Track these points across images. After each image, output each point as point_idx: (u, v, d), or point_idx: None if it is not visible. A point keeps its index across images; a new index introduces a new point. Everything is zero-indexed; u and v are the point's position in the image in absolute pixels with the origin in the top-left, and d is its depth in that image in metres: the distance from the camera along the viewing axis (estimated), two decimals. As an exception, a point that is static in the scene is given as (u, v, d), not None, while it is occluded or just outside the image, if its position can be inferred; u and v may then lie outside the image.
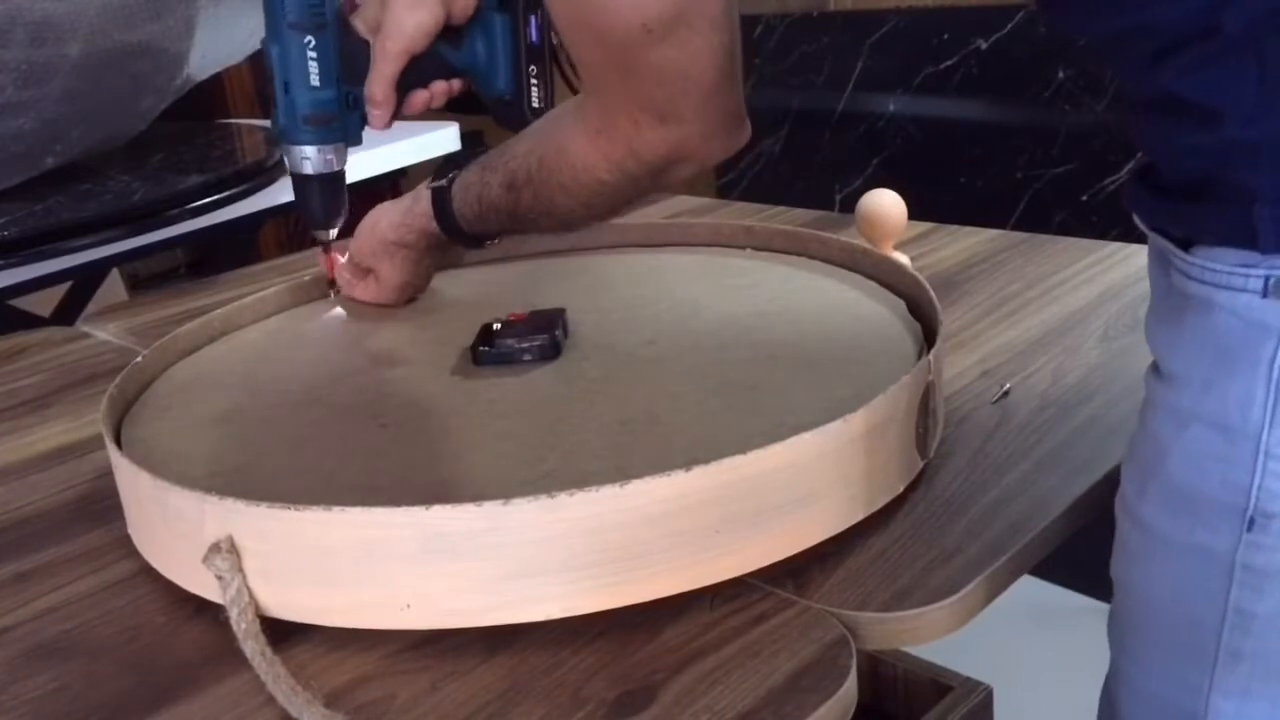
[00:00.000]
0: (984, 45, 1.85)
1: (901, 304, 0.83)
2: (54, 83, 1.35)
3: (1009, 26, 1.82)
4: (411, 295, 0.93)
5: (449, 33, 0.82)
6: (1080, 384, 0.79)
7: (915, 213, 1.03)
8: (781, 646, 0.54)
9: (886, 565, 0.60)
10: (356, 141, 0.86)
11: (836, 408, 0.61)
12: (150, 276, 2.83)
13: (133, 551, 0.67)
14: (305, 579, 0.57)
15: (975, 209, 1.86)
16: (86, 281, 1.71)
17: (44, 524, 0.73)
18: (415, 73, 0.82)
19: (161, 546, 0.64)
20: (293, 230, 2.65)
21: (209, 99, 2.61)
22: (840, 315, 0.83)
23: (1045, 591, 1.81)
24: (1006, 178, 1.88)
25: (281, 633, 0.57)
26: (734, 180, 2.22)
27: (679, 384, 0.74)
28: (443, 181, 0.83)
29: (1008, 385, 0.79)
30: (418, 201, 0.85)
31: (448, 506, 0.54)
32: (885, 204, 0.98)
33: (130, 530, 0.68)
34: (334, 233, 0.91)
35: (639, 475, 0.54)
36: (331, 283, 0.96)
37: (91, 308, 1.66)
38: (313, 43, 0.81)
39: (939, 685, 0.82)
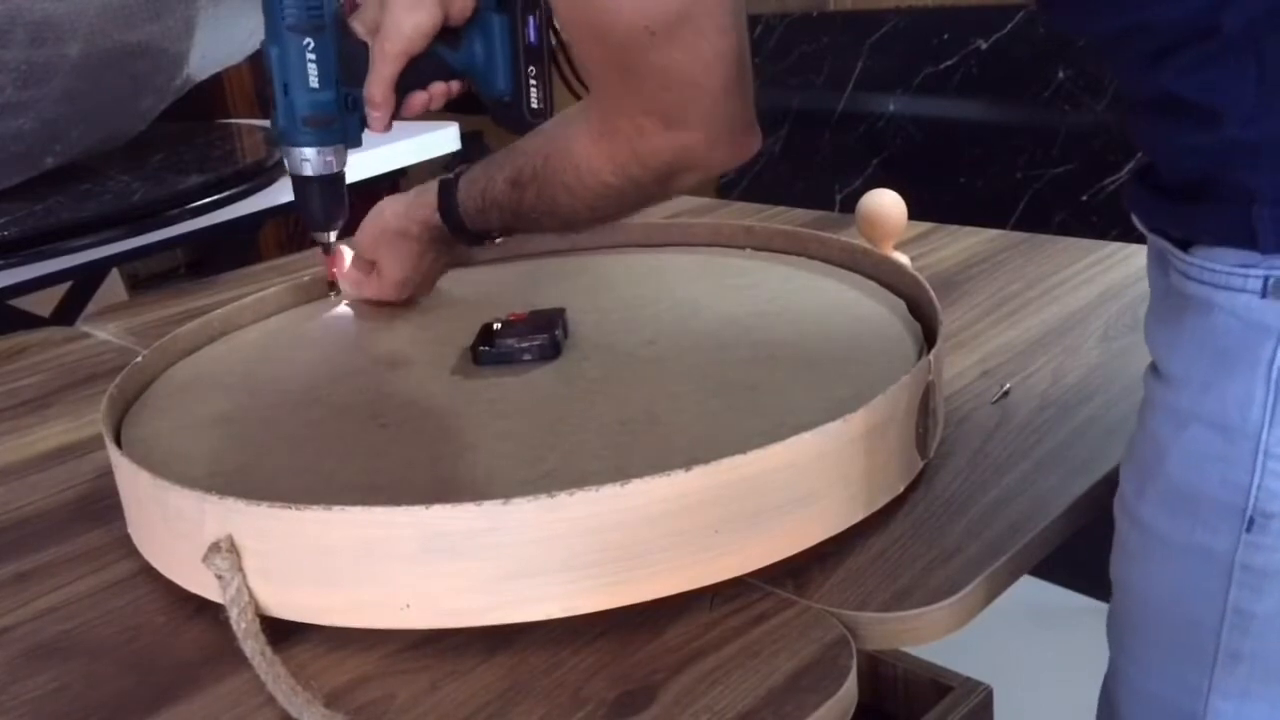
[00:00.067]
0: (984, 45, 1.85)
1: (901, 304, 0.83)
2: (54, 83, 1.35)
3: (1009, 26, 1.82)
4: (414, 293, 0.93)
5: (447, 34, 0.82)
6: (1080, 384, 0.79)
7: (915, 213, 1.03)
8: (781, 646, 0.54)
9: (886, 565, 0.60)
10: (356, 143, 0.86)
11: (836, 408, 0.61)
12: (150, 276, 2.83)
13: (133, 551, 0.67)
14: (305, 578, 0.57)
15: (975, 209, 1.86)
16: (86, 281, 1.71)
17: (44, 524, 0.73)
18: (414, 74, 0.82)
19: (161, 546, 0.64)
20: (293, 230, 2.65)
21: (209, 99, 2.61)
22: (840, 315, 0.83)
23: (1045, 591, 1.81)
24: (1006, 178, 1.88)
25: (281, 632, 0.57)
26: (734, 180, 2.22)
27: (679, 384, 0.74)
28: (451, 174, 0.83)
29: (1008, 385, 0.79)
30: (424, 193, 0.85)
31: (448, 506, 0.54)
32: (885, 204, 0.98)
33: (130, 530, 0.68)
34: (334, 234, 0.91)
35: (639, 475, 0.54)
36: (332, 284, 0.96)
37: (91, 308, 1.66)
38: (311, 44, 0.81)
39: (939, 685, 0.82)
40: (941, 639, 0.58)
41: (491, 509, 0.54)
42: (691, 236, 1.03)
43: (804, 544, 0.60)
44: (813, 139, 2.11)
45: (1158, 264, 0.57)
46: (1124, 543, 0.59)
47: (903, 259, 0.92)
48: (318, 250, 0.94)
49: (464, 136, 1.82)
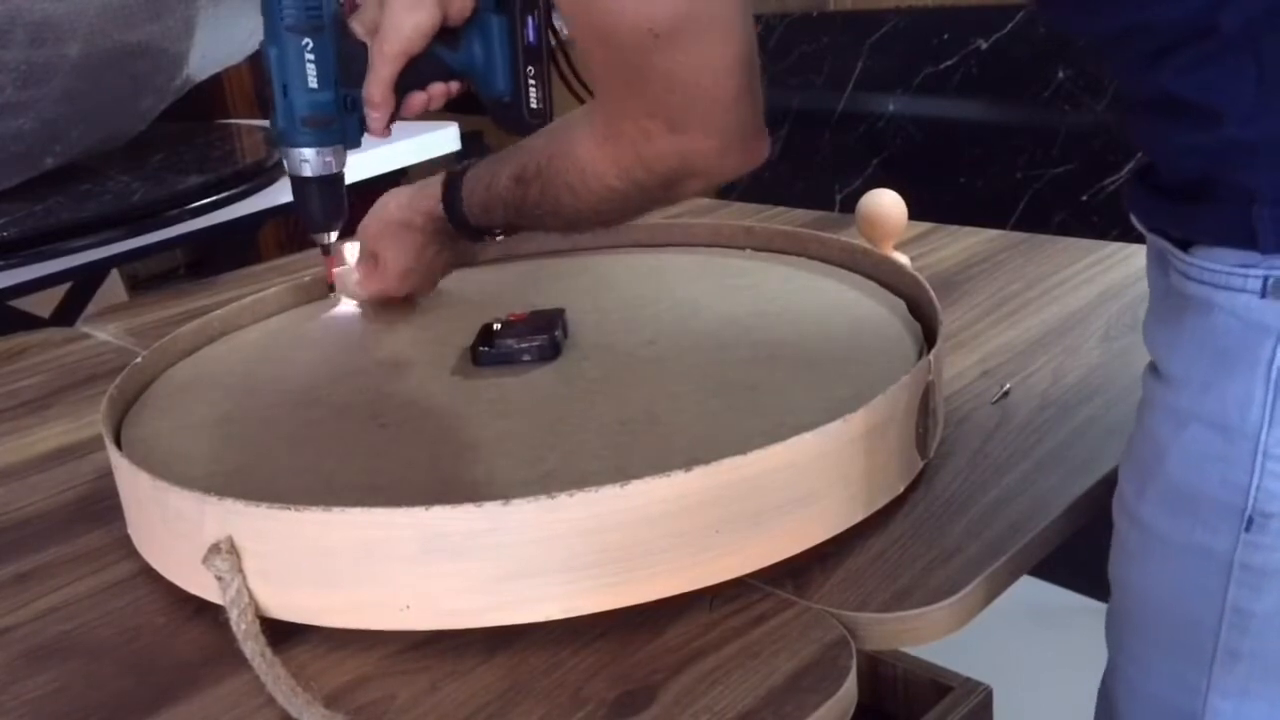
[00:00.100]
0: (984, 45, 1.85)
1: (901, 304, 0.83)
2: (54, 83, 1.35)
3: (1009, 26, 1.82)
4: (416, 287, 0.92)
5: (446, 34, 0.82)
6: (1080, 384, 0.79)
7: (915, 213, 1.03)
8: (781, 647, 0.54)
9: (886, 565, 0.60)
10: (355, 144, 0.86)
11: (836, 408, 0.61)
12: (150, 277, 2.83)
13: (133, 552, 0.67)
14: (305, 579, 0.57)
15: (975, 209, 1.86)
16: (86, 282, 1.71)
17: (44, 524, 0.73)
18: (413, 74, 0.82)
19: (161, 547, 0.64)
20: (293, 230, 2.64)
21: (209, 99, 2.61)
22: (840, 315, 0.83)
23: (1045, 591, 1.81)
24: (1006, 178, 1.88)
25: (281, 633, 0.57)
26: (734, 180, 2.22)
27: (679, 384, 0.74)
28: (459, 167, 0.83)
29: (1008, 385, 0.79)
30: (429, 185, 0.85)
31: (448, 507, 0.54)
32: (885, 204, 0.98)
33: (130, 531, 0.68)
34: (333, 235, 0.91)
35: (639, 475, 0.54)
36: (331, 285, 0.96)
37: (91, 308, 1.66)
38: (310, 45, 0.81)
39: (939, 685, 0.82)
40: (941, 639, 0.58)
41: (491, 509, 0.54)
42: (691, 236, 1.03)
43: (804, 544, 0.60)
44: (813, 139, 2.11)
45: (1157, 264, 0.57)
46: (1123, 542, 0.59)
47: (903, 259, 0.92)
48: (317, 250, 0.94)
49: (464, 136, 1.82)
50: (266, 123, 0.86)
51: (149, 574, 0.65)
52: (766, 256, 0.98)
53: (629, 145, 0.66)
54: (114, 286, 2.07)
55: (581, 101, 0.90)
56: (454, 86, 0.85)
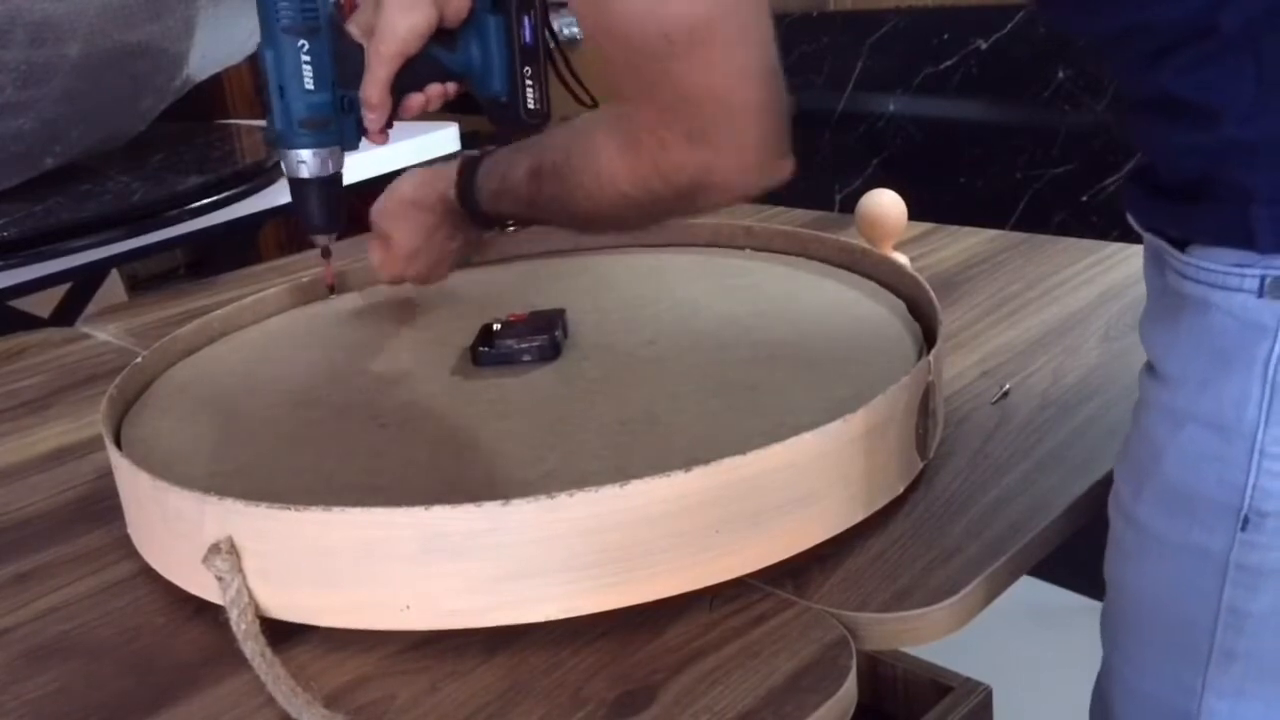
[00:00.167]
0: (984, 45, 1.85)
1: (901, 304, 0.83)
2: (54, 83, 1.35)
3: (1009, 26, 1.82)
4: (425, 272, 0.90)
5: (443, 35, 0.82)
6: (1080, 384, 0.79)
7: (915, 213, 1.03)
8: (781, 647, 0.54)
9: (886, 566, 0.60)
10: (353, 145, 0.86)
11: (836, 408, 0.61)
12: (150, 277, 2.83)
13: (133, 552, 0.67)
14: (305, 579, 0.57)
15: (975, 209, 1.86)
16: (86, 282, 1.71)
17: (44, 525, 0.73)
18: (410, 75, 0.82)
19: (161, 547, 0.64)
20: (293, 231, 2.64)
21: (209, 99, 2.61)
22: (840, 315, 0.83)
23: (1045, 591, 1.81)
24: (1006, 178, 1.88)
25: (281, 633, 0.57)
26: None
27: (679, 384, 0.74)
28: (476, 152, 0.82)
29: (1007, 386, 0.79)
30: (446, 168, 0.84)
31: (448, 507, 0.54)
32: (885, 204, 0.98)
33: (130, 531, 0.68)
34: (332, 237, 0.91)
35: (639, 475, 0.54)
36: (330, 287, 0.96)
37: (91, 308, 1.66)
38: (306, 46, 0.81)
39: (939, 685, 0.82)
40: (941, 639, 0.58)
41: (491, 509, 0.54)
42: (691, 236, 1.03)
43: (804, 544, 0.60)
44: (813, 139, 2.11)
45: (1154, 264, 0.57)
46: (1119, 542, 0.59)
47: (902, 259, 0.92)
48: (317, 251, 0.94)
49: (464, 137, 1.81)
50: (265, 123, 0.86)
51: (149, 574, 0.65)
52: (766, 256, 0.98)
53: (646, 155, 0.63)
54: (114, 286, 2.07)
55: (579, 102, 0.91)
56: (451, 88, 0.85)
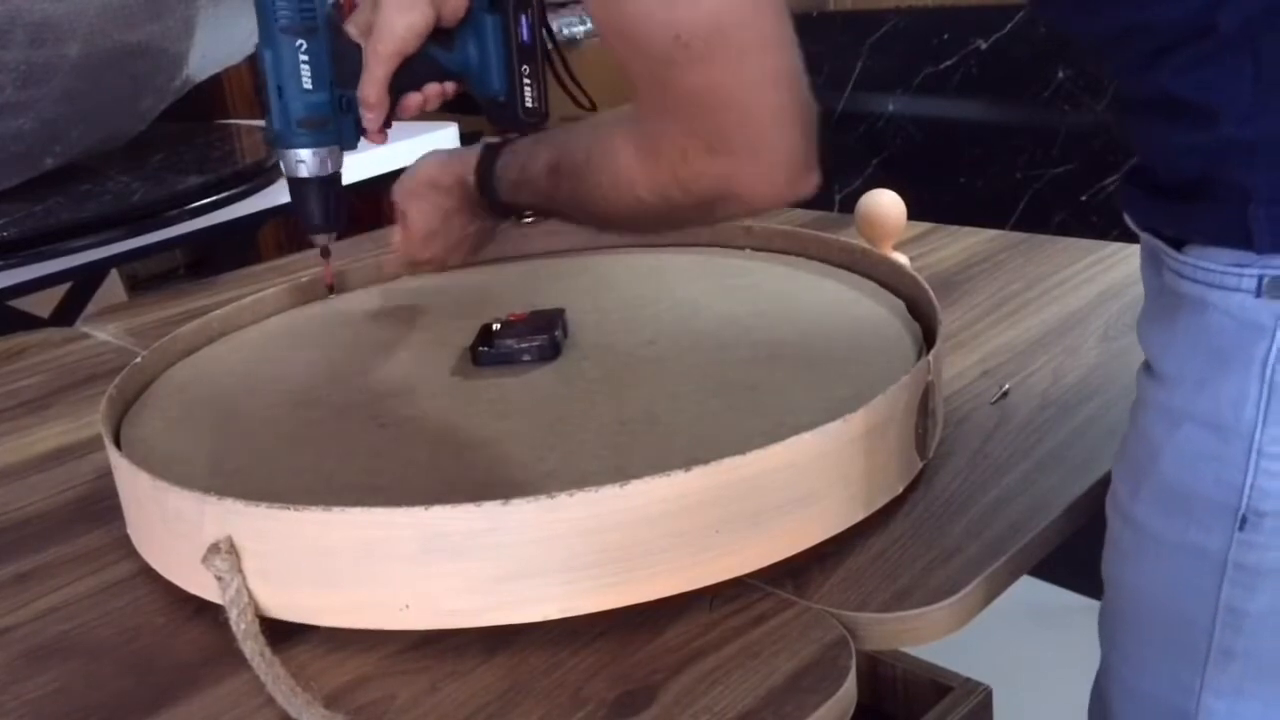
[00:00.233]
0: (984, 45, 1.85)
1: (901, 304, 0.83)
2: (54, 83, 1.35)
3: (1009, 26, 1.82)
4: (440, 257, 0.89)
5: (440, 35, 0.82)
6: (1080, 384, 0.79)
7: (915, 213, 1.03)
8: (781, 647, 0.54)
9: (886, 565, 0.60)
10: (351, 145, 0.86)
11: (836, 408, 0.61)
12: (150, 277, 2.83)
13: (132, 552, 0.67)
14: (305, 579, 0.57)
15: (975, 209, 1.86)
16: (86, 282, 1.71)
17: (44, 525, 0.73)
18: (408, 75, 0.82)
19: (161, 547, 0.64)
20: (292, 230, 2.64)
21: (209, 99, 2.60)
22: (840, 315, 0.83)
23: (1045, 591, 1.81)
24: (1006, 178, 1.88)
25: (281, 633, 0.57)
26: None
27: (679, 384, 0.74)
28: (498, 140, 0.81)
29: (1007, 386, 0.79)
30: (468, 151, 0.83)
31: (447, 506, 0.54)
32: (885, 204, 0.98)
33: (130, 531, 0.68)
34: (331, 237, 0.91)
35: (639, 475, 0.54)
36: (330, 286, 0.96)
37: (91, 308, 1.66)
38: (305, 46, 0.81)
39: (939, 685, 0.82)
40: (941, 639, 0.58)
41: (491, 509, 0.54)
42: (692, 236, 1.03)
43: (804, 544, 0.60)
44: (812, 139, 2.11)
45: (1151, 263, 0.57)
46: (1116, 541, 0.59)
47: (902, 259, 0.92)
48: (316, 251, 0.94)
49: (463, 137, 1.81)
50: (264, 123, 0.86)
51: (148, 574, 0.65)
52: (766, 256, 0.98)
53: (666, 163, 0.61)
54: (114, 286, 2.07)
55: (577, 103, 0.91)
56: (449, 87, 0.85)
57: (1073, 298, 0.95)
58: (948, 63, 1.90)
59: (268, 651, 0.55)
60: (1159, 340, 0.56)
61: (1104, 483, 0.67)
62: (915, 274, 0.83)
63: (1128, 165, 0.59)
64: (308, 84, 0.82)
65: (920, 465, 0.68)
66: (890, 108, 1.99)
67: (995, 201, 1.89)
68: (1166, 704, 0.57)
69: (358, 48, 0.82)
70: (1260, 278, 0.50)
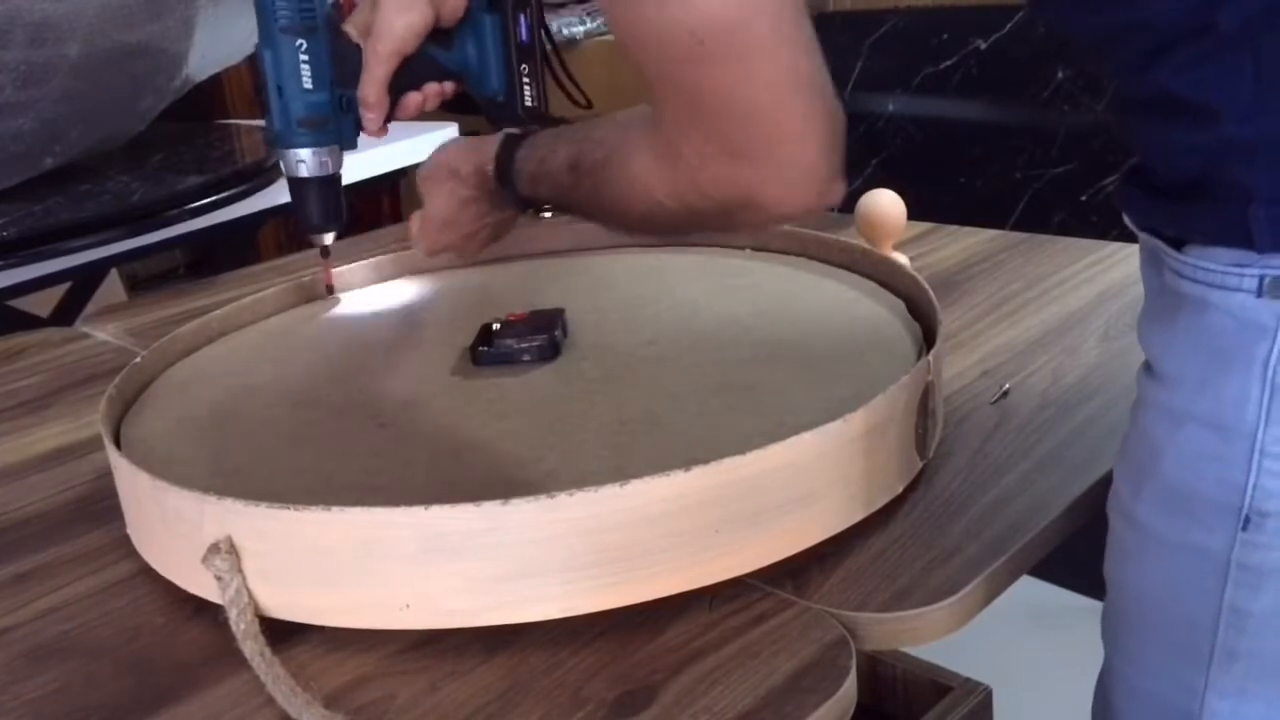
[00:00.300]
0: (983, 45, 1.85)
1: (901, 304, 0.83)
2: (53, 83, 1.35)
3: (1009, 26, 1.82)
4: (457, 246, 0.88)
5: (439, 34, 0.83)
6: (1080, 384, 0.79)
7: (915, 213, 1.03)
8: (781, 647, 0.54)
9: (886, 565, 0.60)
10: (351, 145, 0.86)
11: (836, 408, 0.61)
12: (149, 277, 2.83)
13: (132, 552, 0.67)
14: (304, 579, 0.57)
15: (975, 209, 1.86)
16: (86, 282, 1.71)
17: (43, 524, 0.73)
18: (407, 75, 0.82)
19: (161, 547, 0.64)
20: (292, 230, 2.63)
21: (208, 99, 2.61)
22: (840, 315, 0.83)
23: (1045, 591, 1.81)
24: (1006, 178, 1.88)
25: (281, 633, 0.57)
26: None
27: (679, 384, 0.74)
28: (520, 131, 0.80)
29: (1007, 386, 0.79)
30: (489, 140, 0.81)
31: (447, 506, 0.54)
32: (884, 204, 0.98)
33: (129, 531, 0.68)
34: (331, 237, 0.91)
35: (638, 475, 0.54)
36: (330, 286, 0.96)
37: (91, 308, 1.65)
38: (304, 46, 0.81)
39: (938, 685, 0.81)
40: (941, 639, 0.57)
41: (491, 509, 0.54)
42: (691, 236, 1.03)
43: (804, 544, 0.60)
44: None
45: (1151, 263, 0.57)
46: (1119, 542, 0.59)
47: (902, 259, 0.92)
48: (316, 251, 0.94)
49: (463, 136, 1.81)
50: (264, 123, 0.87)
51: (148, 574, 0.65)
52: (766, 256, 0.98)
53: (685, 168, 0.59)
54: (113, 286, 2.07)
55: (575, 103, 0.91)
56: (449, 87, 0.86)
57: (1073, 298, 0.95)
58: (947, 63, 1.90)
59: (268, 651, 0.55)
60: (1160, 340, 0.56)
61: (1104, 483, 0.67)
62: (915, 274, 0.83)
63: (1127, 165, 0.59)
64: (308, 84, 0.82)
65: (920, 465, 0.68)
66: (890, 108, 1.99)
67: (995, 201, 1.89)
68: (1170, 705, 0.57)
69: (357, 48, 0.82)
70: (1261, 277, 0.50)
